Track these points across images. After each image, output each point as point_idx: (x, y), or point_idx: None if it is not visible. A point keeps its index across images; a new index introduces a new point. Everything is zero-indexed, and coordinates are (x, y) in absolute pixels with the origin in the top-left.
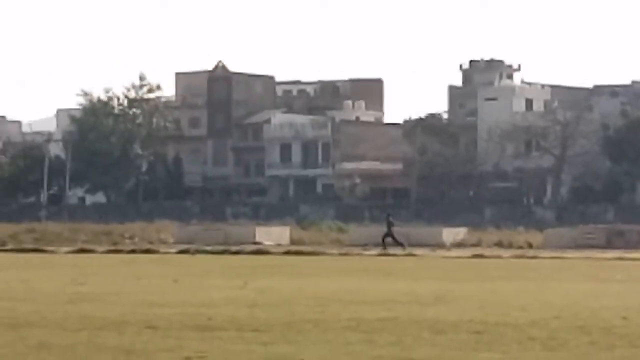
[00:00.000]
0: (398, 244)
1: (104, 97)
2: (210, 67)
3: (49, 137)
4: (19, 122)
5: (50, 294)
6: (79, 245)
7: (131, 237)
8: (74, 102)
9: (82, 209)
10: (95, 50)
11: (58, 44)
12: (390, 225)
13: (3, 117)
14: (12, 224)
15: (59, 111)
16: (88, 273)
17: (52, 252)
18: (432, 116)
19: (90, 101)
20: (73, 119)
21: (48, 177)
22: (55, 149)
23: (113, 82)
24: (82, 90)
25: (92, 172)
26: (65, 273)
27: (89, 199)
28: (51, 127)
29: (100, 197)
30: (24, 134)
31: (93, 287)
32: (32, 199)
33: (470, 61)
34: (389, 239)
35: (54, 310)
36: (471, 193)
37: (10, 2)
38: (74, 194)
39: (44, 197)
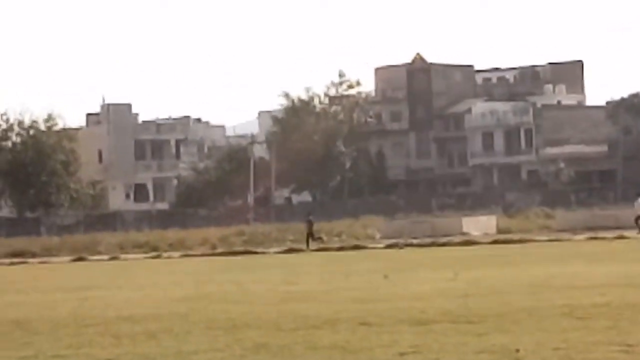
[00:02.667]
0: (315, 239)
1: (304, 97)
2: (408, 60)
3: (252, 140)
4: (222, 127)
5: (263, 295)
6: (288, 245)
7: (338, 235)
8: (275, 103)
9: (288, 209)
10: (294, 50)
11: (258, 47)
12: (310, 224)
13: (207, 122)
14: (221, 228)
15: (261, 113)
16: (298, 272)
17: (262, 253)
18: (635, 96)
19: (292, 101)
20: (275, 120)
21: (254, 179)
22: (260, 151)
23: (313, 80)
24: (283, 91)
25: (296, 171)
26: (276, 273)
27: (295, 199)
28: (254, 129)
29: (305, 196)
30: (228, 137)
31: (304, 286)
32: (239, 202)
33: None
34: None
35: (268, 310)
36: None
37: (206, 12)
38: (280, 195)
39: (250, 199)
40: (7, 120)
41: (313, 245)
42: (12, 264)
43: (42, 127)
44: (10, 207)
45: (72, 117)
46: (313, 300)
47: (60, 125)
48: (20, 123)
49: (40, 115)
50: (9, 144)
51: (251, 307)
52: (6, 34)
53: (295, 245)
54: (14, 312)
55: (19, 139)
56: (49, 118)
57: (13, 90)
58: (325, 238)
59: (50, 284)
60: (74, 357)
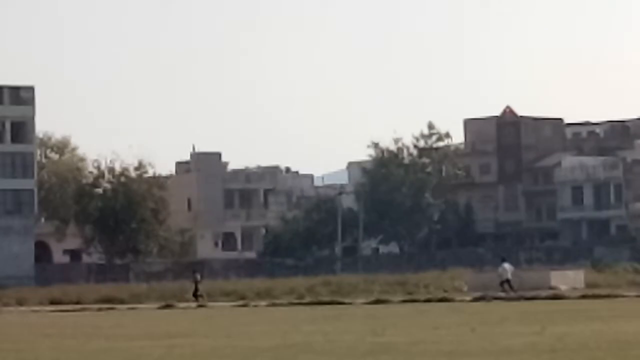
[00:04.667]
0: (197, 298)
1: (393, 148)
2: (498, 113)
3: (341, 190)
4: (311, 176)
5: (350, 346)
6: (375, 296)
7: (426, 287)
8: (364, 154)
9: (376, 260)
10: (384, 101)
11: (347, 97)
12: (196, 281)
13: (296, 172)
14: (308, 277)
15: (350, 164)
16: (386, 324)
17: (348, 303)
18: None
19: (381, 152)
20: (364, 170)
21: (342, 229)
22: (348, 201)
23: (402, 132)
24: (372, 142)
25: (384, 222)
26: (363, 324)
27: (383, 249)
28: (343, 179)
29: (393, 247)
30: (316, 187)
31: (391, 337)
32: (326, 252)
33: None
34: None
35: None
36: None
37: (295, 62)
38: (367, 245)
39: (338, 249)
40: (99, 167)
41: (198, 301)
42: (100, 309)
43: (133, 174)
44: (100, 253)
45: (162, 165)
46: (400, 353)
47: (150, 172)
48: (111, 170)
49: (131, 163)
50: (100, 190)
51: (337, 358)
52: (98, 81)
53: (382, 296)
54: (102, 359)
55: (109, 186)
56: (140, 166)
57: (105, 138)
58: (205, 298)
59: (137, 330)
60: None
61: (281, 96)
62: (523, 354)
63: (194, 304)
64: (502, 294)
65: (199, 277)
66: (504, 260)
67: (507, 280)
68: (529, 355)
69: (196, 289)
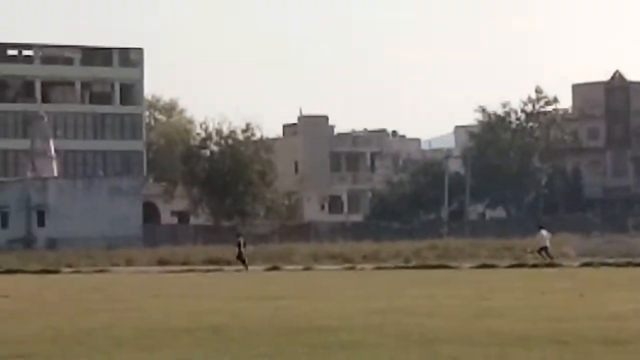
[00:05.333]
0: (242, 262)
1: (501, 112)
2: (607, 78)
3: (448, 154)
4: (418, 140)
5: (456, 310)
6: (481, 261)
7: (532, 252)
8: (471, 118)
9: (482, 224)
10: (491, 65)
11: (452, 63)
12: (239, 245)
13: (403, 135)
14: (414, 241)
15: (457, 128)
16: (492, 288)
17: (455, 267)
18: None
19: (488, 116)
20: (471, 135)
21: (448, 193)
22: (455, 166)
23: (509, 96)
24: (480, 106)
25: (491, 187)
26: (470, 288)
27: (489, 214)
28: (450, 143)
29: (500, 212)
30: (423, 151)
31: (498, 302)
32: (433, 216)
33: None
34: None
35: (461, 325)
36: None
37: (403, 26)
38: (474, 210)
39: (444, 213)
40: (206, 129)
41: (242, 265)
42: (208, 271)
43: (240, 137)
44: (207, 215)
45: (270, 128)
46: (507, 317)
47: (257, 135)
48: (218, 132)
49: (238, 125)
50: (208, 152)
51: (444, 321)
52: (207, 44)
53: (488, 261)
54: (210, 319)
55: (217, 148)
56: (247, 128)
57: (212, 100)
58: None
59: (244, 292)
60: None
61: (389, 60)
62: (632, 320)
63: (236, 268)
64: (539, 260)
65: (242, 240)
66: (541, 227)
67: (545, 248)
68: (638, 321)
69: (240, 253)
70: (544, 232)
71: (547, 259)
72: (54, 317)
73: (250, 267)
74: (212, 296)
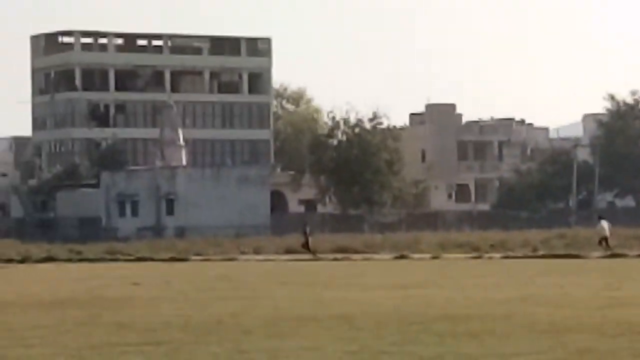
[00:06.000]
0: (309, 250)
1: (630, 100)
2: None
3: (576, 142)
4: (546, 129)
5: (585, 299)
6: (610, 250)
7: None
8: (600, 106)
9: (611, 213)
10: (619, 53)
11: (580, 51)
12: (306, 233)
13: (530, 124)
14: (542, 230)
15: (585, 116)
16: (622, 277)
17: (583, 257)
18: None
19: (617, 105)
20: (600, 123)
21: (577, 182)
22: (583, 154)
23: (638, 84)
24: (608, 94)
25: (620, 176)
26: (599, 278)
27: (618, 203)
28: (578, 132)
29: (629, 201)
30: (551, 139)
31: (628, 291)
32: (561, 205)
33: None
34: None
35: (591, 315)
36: None
37: (531, 15)
38: (602, 199)
39: (573, 202)
40: (334, 119)
41: (309, 253)
42: (335, 259)
43: (367, 125)
44: (335, 203)
45: (397, 117)
46: (637, 307)
47: (384, 124)
48: (346, 121)
49: (365, 114)
50: (335, 141)
51: (574, 311)
52: (336, 33)
53: (618, 251)
54: (338, 308)
55: (344, 137)
56: (374, 117)
57: (340, 89)
58: (317, 252)
59: (372, 280)
60: (398, 354)
61: (517, 48)
62: None
63: (307, 256)
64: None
65: (308, 229)
66: (601, 218)
67: (605, 238)
68: None
69: (306, 242)
70: (604, 222)
71: (608, 250)
72: (184, 305)
73: (377, 256)
74: (340, 285)
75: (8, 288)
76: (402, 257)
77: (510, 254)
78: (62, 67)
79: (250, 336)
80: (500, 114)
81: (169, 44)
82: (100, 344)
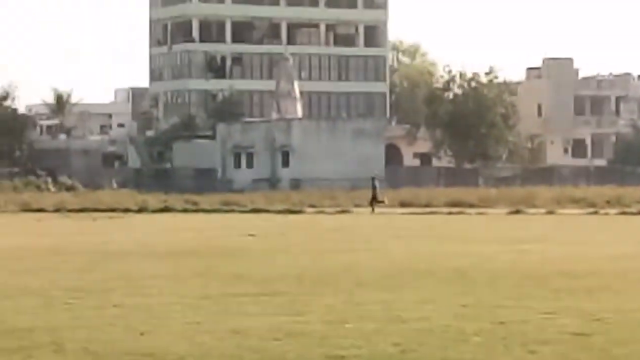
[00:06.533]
0: (378, 202)
1: None
2: None
3: None
4: None
5: None
6: None
7: None
8: None
9: None
10: None
11: None
12: (374, 188)
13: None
14: None
15: None
16: None
17: None
18: None
19: None
20: None
21: None
22: None
23: None
24: None
25: None
26: None
27: None
28: None
29: None
30: None
31: None
32: None
33: None
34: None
35: None
36: None
37: None
38: None
39: None
40: (450, 72)
41: (377, 207)
42: (449, 213)
43: (483, 79)
44: (449, 157)
45: (513, 71)
46: None
47: (500, 78)
48: (462, 75)
49: (481, 68)
50: (451, 95)
51: None
52: None
53: None
54: (453, 261)
55: (460, 91)
56: (490, 71)
57: (455, 44)
58: (386, 202)
59: (487, 235)
60: (514, 308)
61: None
62: None
63: (370, 210)
64: None
65: (377, 183)
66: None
67: None
68: None
69: (374, 196)
70: None
71: None
72: (298, 257)
73: (491, 210)
74: (455, 239)
75: (126, 238)
76: (517, 212)
77: (627, 210)
78: (180, 19)
79: (364, 288)
80: (619, 69)
81: None
82: (217, 294)
